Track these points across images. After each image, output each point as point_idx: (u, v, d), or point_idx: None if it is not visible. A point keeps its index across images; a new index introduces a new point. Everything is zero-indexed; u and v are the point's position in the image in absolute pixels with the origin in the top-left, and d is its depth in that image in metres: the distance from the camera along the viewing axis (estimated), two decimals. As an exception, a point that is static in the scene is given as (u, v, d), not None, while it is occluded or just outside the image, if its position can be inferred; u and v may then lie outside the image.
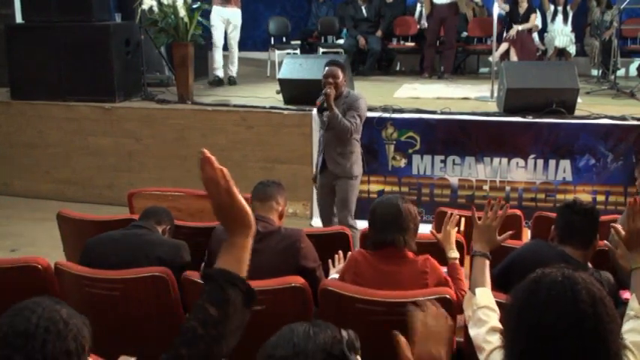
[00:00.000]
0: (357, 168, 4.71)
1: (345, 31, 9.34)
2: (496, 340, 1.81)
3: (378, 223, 2.76)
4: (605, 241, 2.85)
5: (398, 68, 10.00)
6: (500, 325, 1.87)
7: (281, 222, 3.13)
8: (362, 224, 3.97)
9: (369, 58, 9.02)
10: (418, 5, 9.30)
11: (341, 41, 9.30)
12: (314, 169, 5.03)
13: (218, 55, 8.02)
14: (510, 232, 2.45)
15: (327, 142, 4.67)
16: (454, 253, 2.90)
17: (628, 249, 2.23)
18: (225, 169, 1.38)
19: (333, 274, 2.99)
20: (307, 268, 2.93)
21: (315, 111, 5.83)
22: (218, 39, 7.91)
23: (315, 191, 5.30)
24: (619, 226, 2.34)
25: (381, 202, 2.85)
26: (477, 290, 2.12)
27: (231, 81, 8.09)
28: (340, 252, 3.15)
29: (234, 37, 7.97)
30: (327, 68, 4.55)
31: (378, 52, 9.05)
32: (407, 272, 2.67)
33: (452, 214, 3.00)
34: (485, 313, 2.00)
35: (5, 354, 1.33)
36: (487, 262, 2.24)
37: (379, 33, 9.03)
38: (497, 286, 2.79)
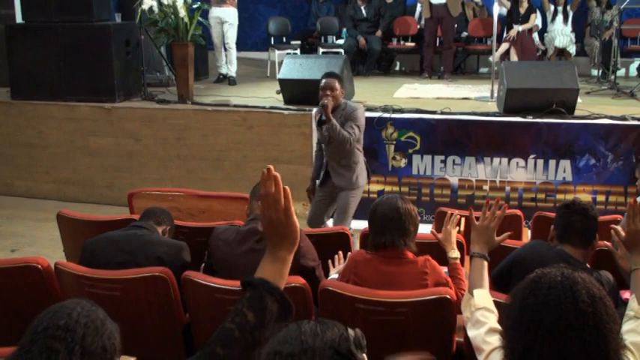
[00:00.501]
0: (362, 179, 4.69)
1: (345, 31, 9.35)
2: (495, 340, 1.81)
3: (378, 223, 2.76)
4: (606, 242, 2.85)
5: (398, 68, 10.00)
6: (498, 326, 1.87)
7: None
8: (362, 224, 3.97)
9: (369, 58, 9.03)
10: (418, 5, 9.31)
11: (341, 41, 9.30)
12: (310, 182, 4.97)
13: (219, 53, 8.14)
14: (509, 233, 2.46)
15: (330, 156, 4.63)
16: (455, 253, 2.90)
17: (628, 250, 2.24)
18: (288, 189, 1.43)
19: (333, 274, 3.00)
20: (307, 268, 2.93)
21: (314, 111, 5.83)
22: (217, 40, 8.02)
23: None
24: (619, 228, 2.34)
25: (381, 202, 2.85)
26: (475, 292, 2.11)
27: (231, 81, 8.10)
28: (340, 252, 3.15)
29: (231, 35, 7.99)
30: (323, 80, 4.51)
31: (378, 52, 9.06)
32: (407, 273, 2.67)
33: (452, 214, 3.00)
34: (483, 314, 2.00)
35: (46, 343, 1.39)
36: (485, 264, 2.24)
37: (379, 33, 9.04)
38: (498, 286, 2.79)
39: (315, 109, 4.60)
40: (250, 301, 1.37)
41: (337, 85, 4.48)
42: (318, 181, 4.82)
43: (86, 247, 3.03)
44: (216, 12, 7.85)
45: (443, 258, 2.89)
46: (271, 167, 1.42)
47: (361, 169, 4.67)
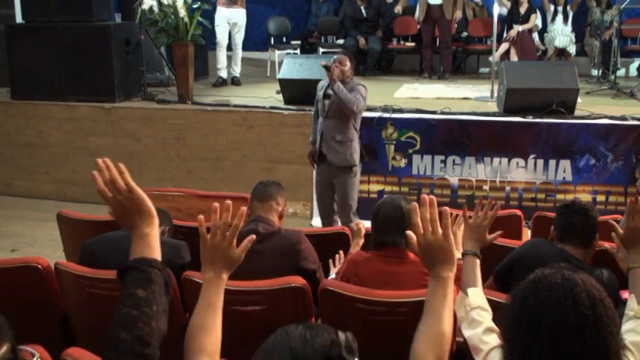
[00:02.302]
0: (357, 157, 4.73)
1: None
2: (492, 340, 1.81)
3: (381, 223, 2.76)
4: (607, 246, 2.84)
5: (398, 68, 10.00)
6: (494, 325, 1.87)
7: (281, 222, 3.13)
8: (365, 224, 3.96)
9: (369, 58, 9.02)
10: (418, 6, 9.30)
11: (341, 41, 9.29)
12: (310, 146, 4.98)
13: (222, 55, 7.94)
14: (500, 232, 2.47)
15: (326, 130, 4.69)
16: (460, 254, 2.89)
17: (625, 247, 2.23)
18: (122, 165, 1.46)
19: (333, 274, 3.00)
20: (307, 270, 2.93)
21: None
22: (222, 39, 7.84)
23: (314, 188, 5.29)
24: (617, 226, 2.33)
25: (384, 202, 2.85)
26: (469, 290, 2.11)
27: (235, 81, 8.07)
28: (341, 252, 3.15)
29: (239, 37, 7.96)
30: (338, 55, 4.72)
31: (378, 52, 9.04)
32: (407, 273, 2.67)
33: (457, 214, 2.99)
34: (478, 313, 1.99)
35: None
36: (478, 262, 2.24)
37: (379, 33, 9.03)
38: (499, 284, 2.80)
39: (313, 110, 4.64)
40: (135, 281, 1.37)
41: (347, 62, 4.66)
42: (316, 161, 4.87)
43: (85, 248, 3.03)
44: (225, 13, 7.79)
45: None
46: (98, 160, 1.45)
47: (355, 148, 4.71)
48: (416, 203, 1.62)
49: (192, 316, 1.63)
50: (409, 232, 1.62)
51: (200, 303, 1.63)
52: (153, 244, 1.45)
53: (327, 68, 4.53)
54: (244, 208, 1.66)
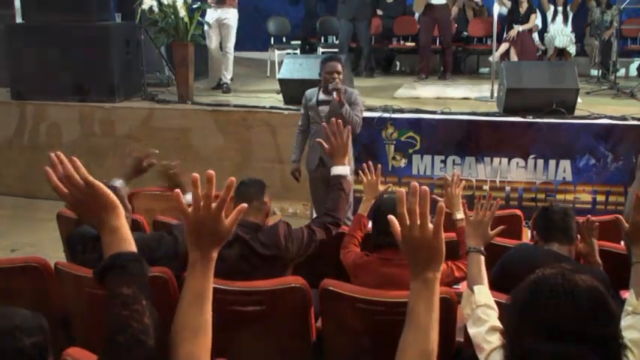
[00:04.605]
0: (352, 162, 4.72)
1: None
2: (496, 339, 1.81)
3: (382, 223, 2.75)
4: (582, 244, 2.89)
5: (398, 68, 10.00)
6: (499, 324, 1.87)
7: (267, 220, 3.07)
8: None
9: (363, 59, 8.84)
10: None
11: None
12: (293, 164, 5.00)
13: (217, 59, 7.67)
14: (502, 227, 2.47)
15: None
16: (460, 214, 2.86)
17: (629, 242, 2.23)
18: (76, 158, 1.41)
19: None
20: (297, 252, 2.91)
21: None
22: (214, 43, 7.53)
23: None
24: (622, 220, 2.33)
25: (385, 201, 2.84)
26: (475, 288, 2.11)
27: (225, 89, 7.50)
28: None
29: (230, 40, 7.45)
30: (329, 63, 4.58)
31: (368, 50, 8.83)
32: (407, 275, 2.65)
33: (453, 174, 2.98)
34: (484, 311, 1.99)
35: None
36: (482, 258, 2.24)
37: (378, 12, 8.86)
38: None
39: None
40: (116, 280, 1.31)
41: (340, 67, 4.58)
42: (311, 169, 4.85)
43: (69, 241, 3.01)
44: (212, 14, 7.33)
45: (448, 255, 2.88)
46: (51, 154, 1.40)
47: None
48: (403, 191, 1.37)
49: (177, 312, 1.37)
50: (391, 217, 1.38)
51: (185, 293, 1.37)
52: (126, 236, 1.39)
53: (335, 90, 4.44)
54: (232, 179, 1.42)
